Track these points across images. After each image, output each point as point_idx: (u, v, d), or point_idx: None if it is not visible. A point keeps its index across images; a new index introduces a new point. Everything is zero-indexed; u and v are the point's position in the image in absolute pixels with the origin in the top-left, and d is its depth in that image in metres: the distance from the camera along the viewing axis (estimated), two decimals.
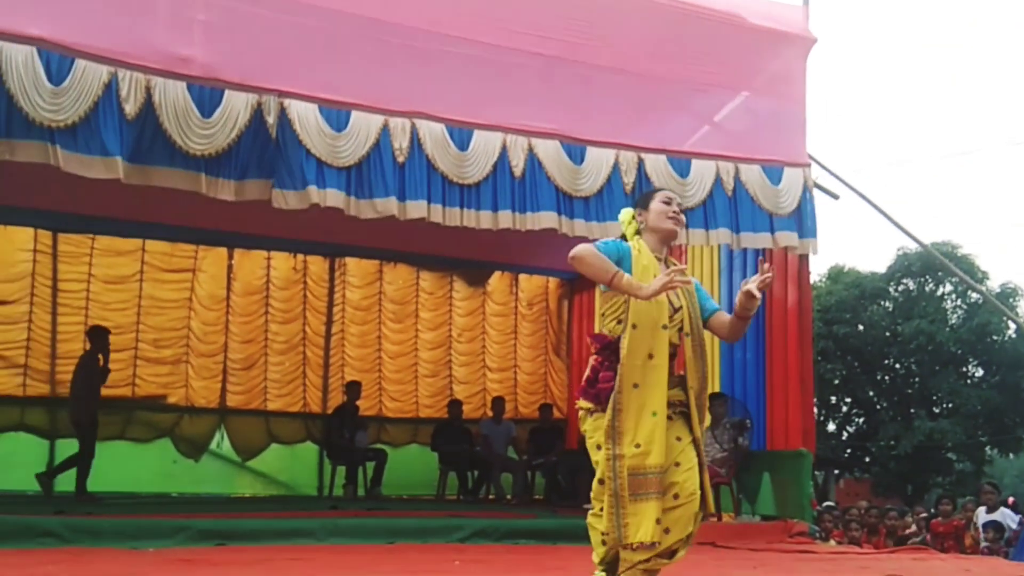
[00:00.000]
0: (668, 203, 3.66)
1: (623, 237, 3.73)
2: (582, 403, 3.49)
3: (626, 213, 3.77)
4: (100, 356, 8.85)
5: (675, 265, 3.44)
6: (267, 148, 6.00)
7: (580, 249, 3.40)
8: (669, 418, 3.37)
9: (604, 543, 3.47)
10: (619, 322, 3.41)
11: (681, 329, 3.47)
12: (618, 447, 3.27)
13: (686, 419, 3.46)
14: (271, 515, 6.89)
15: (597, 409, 3.40)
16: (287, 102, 6.08)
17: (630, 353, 3.32)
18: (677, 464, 3.37)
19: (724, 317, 3.64)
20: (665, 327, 3.39)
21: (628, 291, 3.32)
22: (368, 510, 7.61)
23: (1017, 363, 22.12)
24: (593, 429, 3.42)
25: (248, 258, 10.84)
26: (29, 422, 9.70)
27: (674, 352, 3.46)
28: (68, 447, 9.69)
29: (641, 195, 3.92)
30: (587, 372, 3.49)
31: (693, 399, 3.43)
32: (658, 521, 3.29)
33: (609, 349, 3.41)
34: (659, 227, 3.63)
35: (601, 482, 3.40)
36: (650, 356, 3.33)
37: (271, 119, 5.97)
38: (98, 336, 8.92)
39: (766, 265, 3.50)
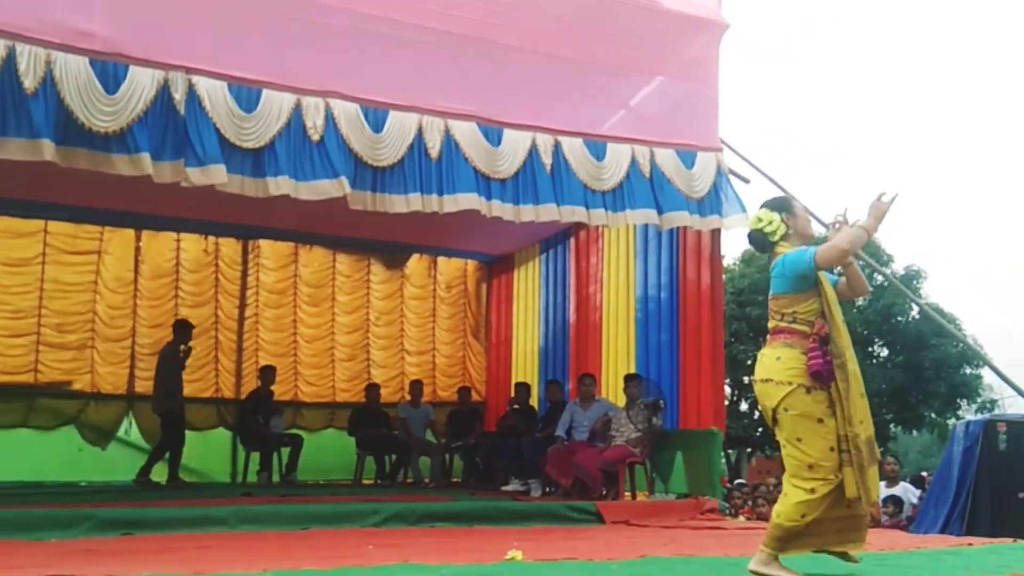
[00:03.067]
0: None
1: (759, 237, 4.01)
2: (799, 379, 3.77)
3: (771, 216, 4.01)
4: (183, 348, 9.25)
5: None
6: (175, 126, 5.81)
7: (838, 245, 3.75)
8: None
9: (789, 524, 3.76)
10: (813, 322, 3.81)
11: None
12: (851, 427, 3.70)
13: None
14: (180, 503, 6.73)
15: (814, 387, 3.77)
16: (195, 79, 5.91)
17: (845, 347, 3.76)
18: None
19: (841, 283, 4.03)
20: (843, 321, 3.83)
21: (874, 229, 3.80)
22: (282, 496, 7.51)
23: (920, 343, 22.98)
24: (810, 403, 3.76)
25: (157, 240, 10.57)
26: None
27: None
28: None
29: (774, 199, 4.16)
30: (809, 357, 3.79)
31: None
32: None
33: (823, 339, 3.79)
34: (807, 233, 4.04)
35: (811, 467, 3.73)
36: (846, 348, 3.77)
37: (178, 96, 5.80)
38: (182, 329, 9.38)
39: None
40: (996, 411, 22.46)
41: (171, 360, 9.24)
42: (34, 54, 5.48)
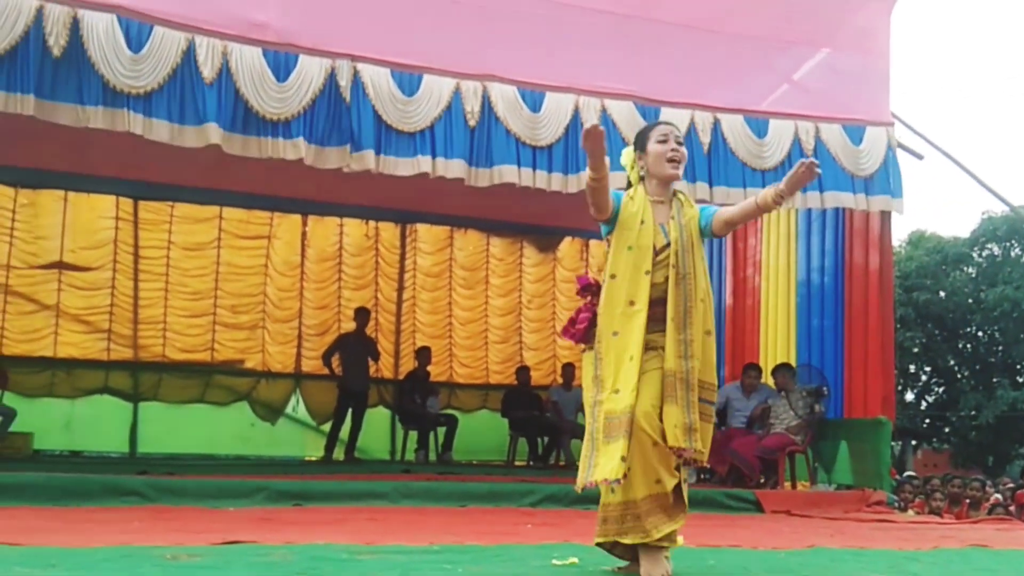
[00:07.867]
0: (665, 141, 3.30)
1: (628, 184, 3.45)
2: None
3: (627, 156, 3.47)
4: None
5: (681, 198, 3.33)
6: (341, 113, 6.01)
7: None
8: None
9: (606, 520, 3.22)
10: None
11: (669, 264, 3.25)
12: (600, 394, 3.16)
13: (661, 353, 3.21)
14: (345, 477, 7.00)
15: (578, 346, 3.35)
16: (360, 66, 6.09)
17: (608, 302, 3.22)
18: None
19: (724, 212, 3.37)
20: (648, 272, 3.22)
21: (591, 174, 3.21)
22: (440, 474, 7.67)
23: None
24: (587, 364, 3.29)
25: (321, 225, 10.96)
26: (113, 385, 10.03)
27: (661, 293, 3.23)
28: (151, 410, 10.08)
29: (638, 132, 3.51)
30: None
31: (673, 331, 3.18)
32: (623, 459, 3.05)
33: (589, 291, 3.36)
34: (659, 173, 3.32)
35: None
36: (631, 303, 3.19)
37: (344, 83, 5.99)
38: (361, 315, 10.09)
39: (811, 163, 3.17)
40: None
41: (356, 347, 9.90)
42: (212, 46, 5.78)
